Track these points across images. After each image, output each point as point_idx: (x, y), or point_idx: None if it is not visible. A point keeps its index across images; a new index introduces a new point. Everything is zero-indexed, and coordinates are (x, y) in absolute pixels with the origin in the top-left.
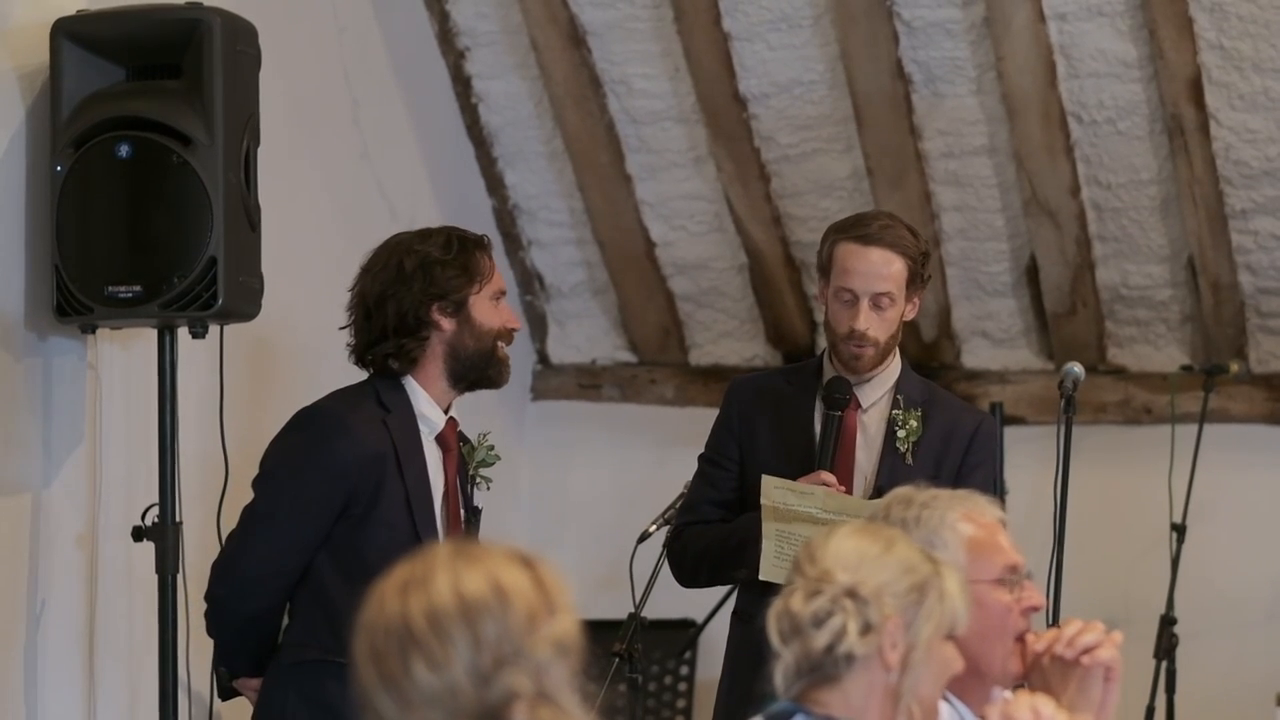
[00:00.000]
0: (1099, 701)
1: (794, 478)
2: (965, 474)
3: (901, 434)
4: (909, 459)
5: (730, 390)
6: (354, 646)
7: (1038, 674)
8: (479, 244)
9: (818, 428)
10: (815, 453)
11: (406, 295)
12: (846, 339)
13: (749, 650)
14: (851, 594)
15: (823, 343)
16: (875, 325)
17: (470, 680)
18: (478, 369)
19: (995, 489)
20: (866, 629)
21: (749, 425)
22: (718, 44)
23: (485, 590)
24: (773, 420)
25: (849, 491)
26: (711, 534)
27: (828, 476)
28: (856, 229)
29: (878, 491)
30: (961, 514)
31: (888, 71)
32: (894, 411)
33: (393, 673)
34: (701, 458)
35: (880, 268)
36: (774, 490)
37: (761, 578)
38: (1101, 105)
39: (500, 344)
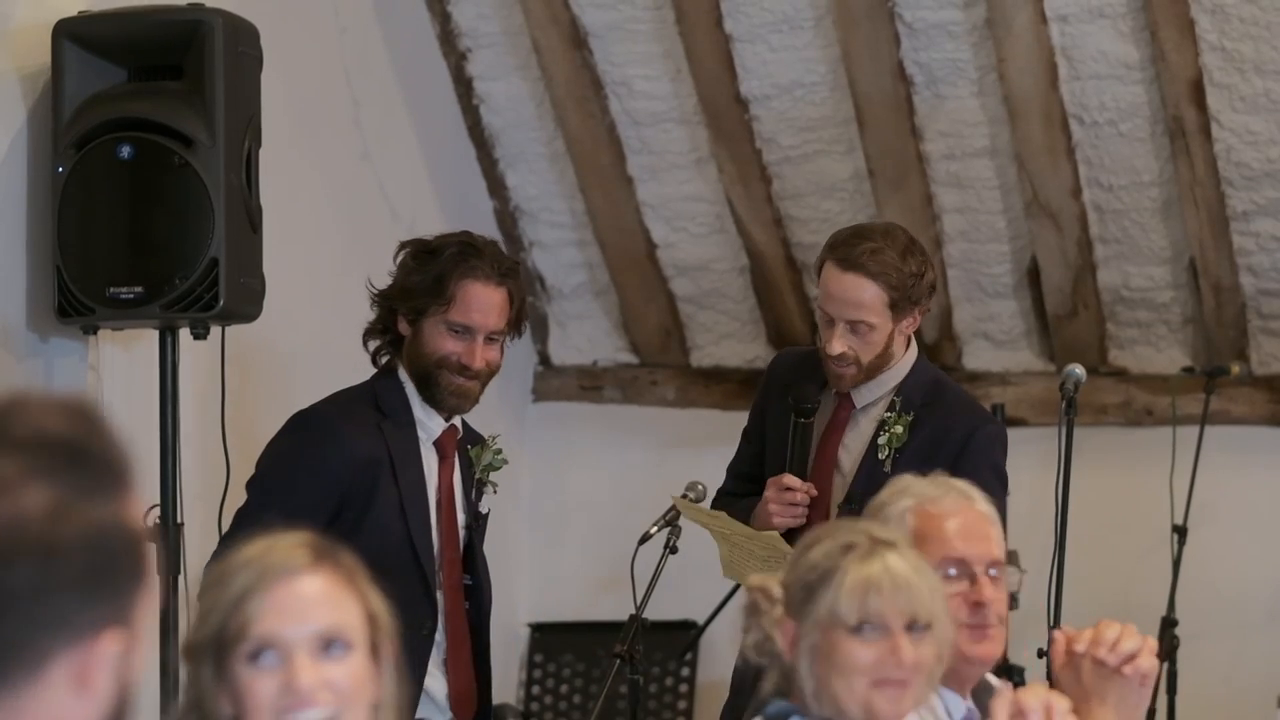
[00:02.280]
0: (1135, 706)
1: (779, 469)
2: None
3: (883, 440)
4: (888, 466)
5: (770, 364)
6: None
7: (1071, 673)
8: (466, 272)
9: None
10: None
11: (388, 287)
12: (827, 358)
13: None
14: (754, 604)
15: None
16: (855, 346)
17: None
18: (423, 386)
19: (992, 496)
20: (767, 635)
21: (769, 403)
22: (719, 45)
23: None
24: (783, 406)
25: (828, 490)
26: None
27: (790, 480)
28: (842, 250)
29: (849, 496)
30: (914, 505)
31: (889, 73)
32: (886, 414)
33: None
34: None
35: (853, 294)
36: (689, 511)
37: (724, 575)
38: (1103, 107)
39: (444, 372)
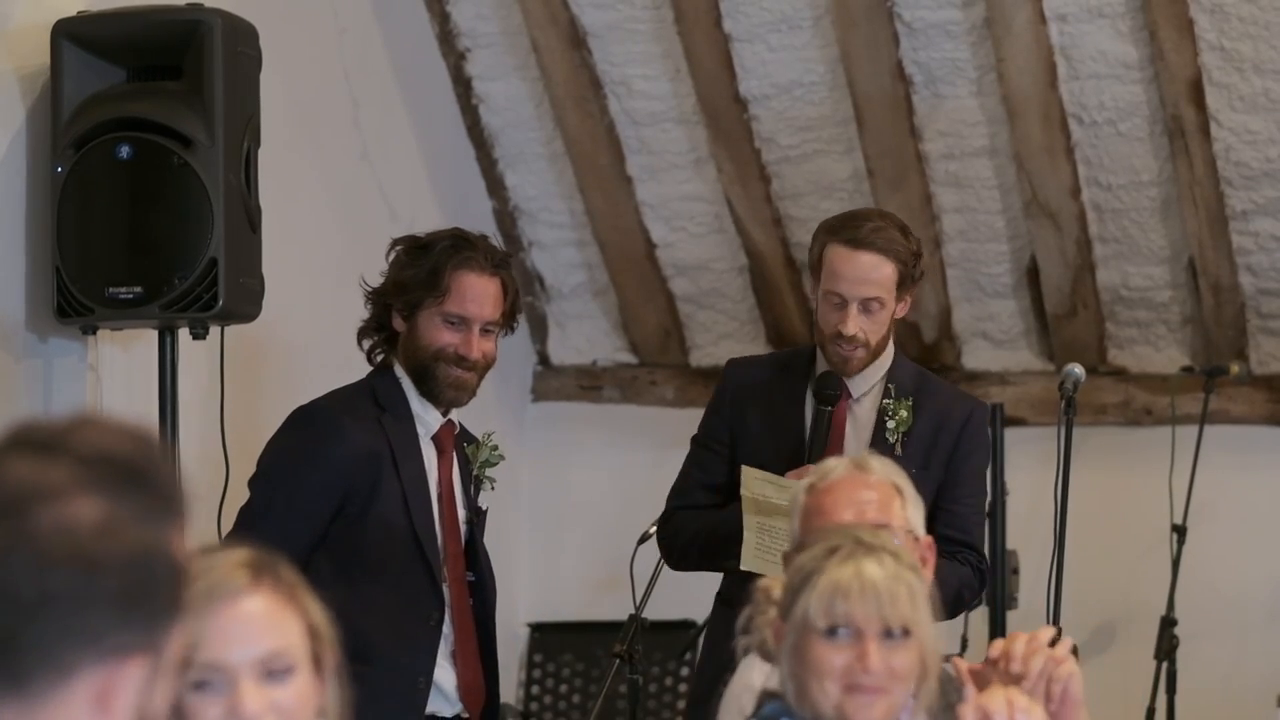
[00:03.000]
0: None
1: (783, 468)
2: (957, 463)
3: (891, 424)
4: (898, 450)
5: (726, 372)
6: None
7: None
8: (460, 263)
9: (808, 419)
10: (805, 445)
11: (381, 284)
12: (835, 341)
13: (726, 632)
14: (756, 604)
15: None
16: (865, 328)
17: None
18: (420, 380)
19: (990, 476)
20: (762, 635)
21: (741, 410)
22: (718, 45)
23: None
24: (764, 408)
25: None
26: (702, 521)
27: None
28: (847, 231)
29: None
30: (809, 483)
31: (888, 73)
32: (885, 401)
33: None
34: (694, 439)
35: (869, 272)
36: (754, 481)
37: (743, 568)
38: (1102, 106)
39: (442, 364)
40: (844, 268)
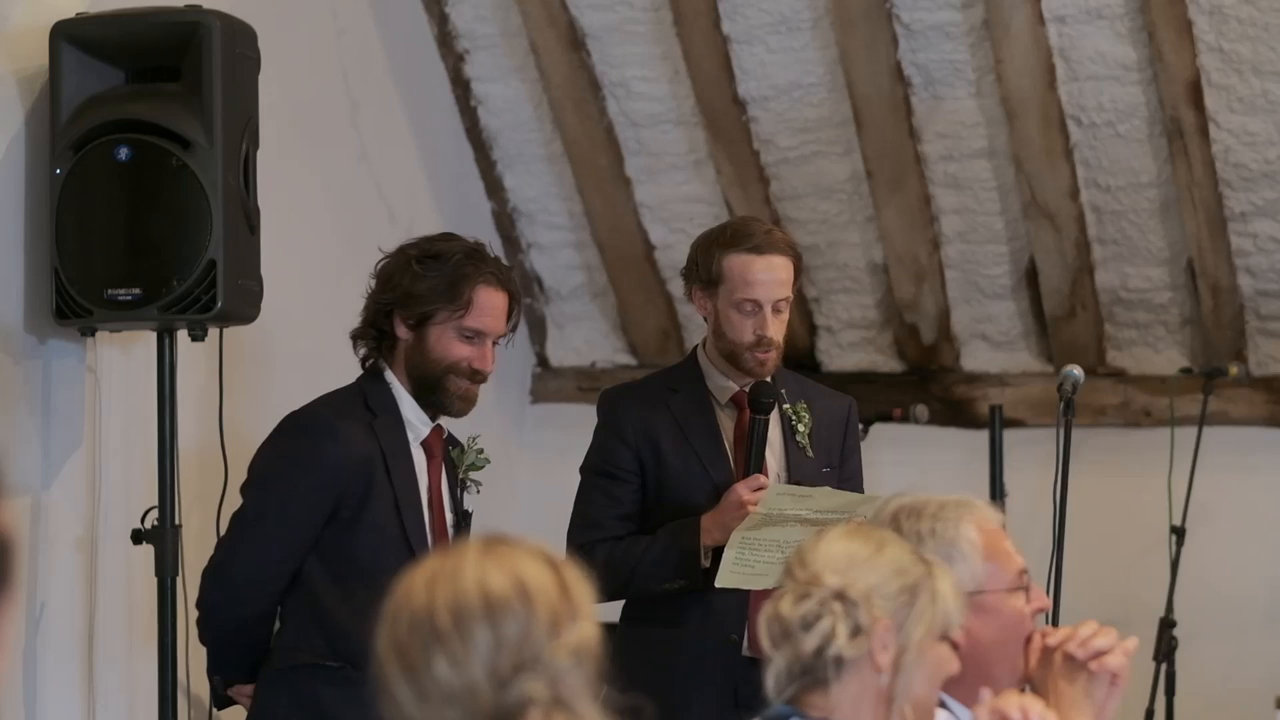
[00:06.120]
0: (1101, 704)
1: (717, 483)
2: (846, 456)
3: (801, 428)
4: (809, 451)
5: (610, 402)
6: (377, 635)
7: (1046, 669)
8: (480, 278)
9: (724, 431)
10: (728, 456)
11: (384, 290)
12: (753, 347)
13: (639, 654)
14: (840, 596)
15: (824, 344)
16: (776, 330)
17: (488, 681)
18: (427, 391)
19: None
20: (856, 631)
21: (648, 435)
22: (717, 47)
23: (510, 590)
24: (673, 428)
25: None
26: (638, 548)
27: (763, 479)
28: (746, 240)
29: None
30: (972, 523)
31: (887, 74)
32: (784, 407)
33: (414, 665)
34: (592, 472)
35: (781, 274)
36: (775, 497)
37: (719, 585)
38: (1101, 108)
39: (453, 377)
40: (758, 274)
